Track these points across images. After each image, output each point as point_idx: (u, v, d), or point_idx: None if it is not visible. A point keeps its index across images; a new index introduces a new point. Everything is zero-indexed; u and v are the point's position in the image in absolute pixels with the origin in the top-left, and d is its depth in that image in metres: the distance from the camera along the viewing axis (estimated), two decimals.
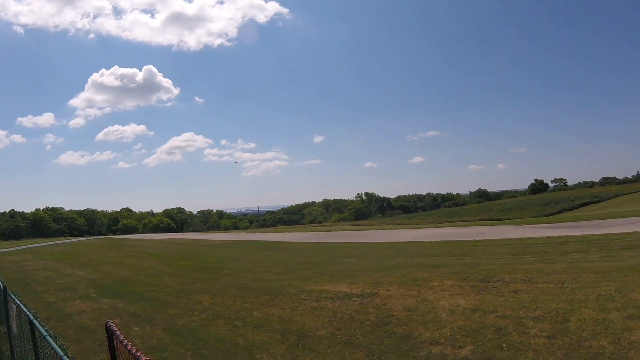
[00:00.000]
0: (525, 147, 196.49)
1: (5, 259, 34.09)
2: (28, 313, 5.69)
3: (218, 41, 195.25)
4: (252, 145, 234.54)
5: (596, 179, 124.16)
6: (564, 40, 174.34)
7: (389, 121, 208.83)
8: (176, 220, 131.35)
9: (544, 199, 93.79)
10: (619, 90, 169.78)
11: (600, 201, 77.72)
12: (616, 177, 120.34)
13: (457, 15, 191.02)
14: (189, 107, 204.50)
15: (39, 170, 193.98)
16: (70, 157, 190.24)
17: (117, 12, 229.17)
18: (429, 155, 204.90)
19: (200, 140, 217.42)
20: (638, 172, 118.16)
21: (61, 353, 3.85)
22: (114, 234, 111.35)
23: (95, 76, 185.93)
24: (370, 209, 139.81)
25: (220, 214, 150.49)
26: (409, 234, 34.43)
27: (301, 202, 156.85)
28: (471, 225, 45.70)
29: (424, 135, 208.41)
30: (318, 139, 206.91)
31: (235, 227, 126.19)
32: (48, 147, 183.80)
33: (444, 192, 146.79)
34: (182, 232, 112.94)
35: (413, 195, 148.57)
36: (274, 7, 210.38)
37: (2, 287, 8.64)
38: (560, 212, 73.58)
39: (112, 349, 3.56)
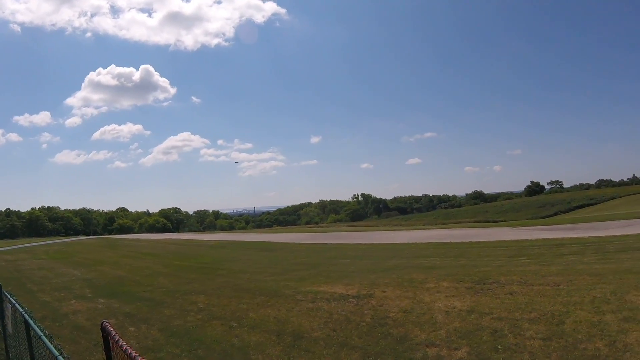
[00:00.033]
0: (522, 149, 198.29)
1: (0, 258, 33.87)
2: (23, 312, 5.65)
3: (215, 41, 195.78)
4: (249, 145, 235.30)
5: (592, 181, 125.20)
6: (561, 43, 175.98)
7: (386, 122, 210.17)
8: (172, 220, 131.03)
9: (539, 201, 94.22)
10: (616, 92, 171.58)
11: (596, 203, 78.14)
12: (612, 179, 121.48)
13: (453, 17, 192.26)
14: (186, 106, 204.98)
15: (35, 169, 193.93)
16: (66, 156, 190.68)
17: (115, 11, 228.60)
18: (425, 157, 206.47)
19: (196, 140, 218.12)
20: (634, 174, 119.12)
21: (56, 353, 3.83)
22: (110, 233, 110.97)
23: (92, 75, 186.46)
24: (367, 210, 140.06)
25: (217, 214, 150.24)
26: (405, 235, 34.44)
27: (297, 203, 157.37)
28: (467, 226, 45.76)
29: (420, 136, 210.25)
30: (315, 139, 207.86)
31: (231, 228, 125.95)
32: (44, 146, 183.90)
33: (440, 193, 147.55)
34: (178, 232, 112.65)
35: (409, 196, 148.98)
36: (271, 7, 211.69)
37: None
38: (556, 214, 73.91)
39: (107, 349, 3.54)
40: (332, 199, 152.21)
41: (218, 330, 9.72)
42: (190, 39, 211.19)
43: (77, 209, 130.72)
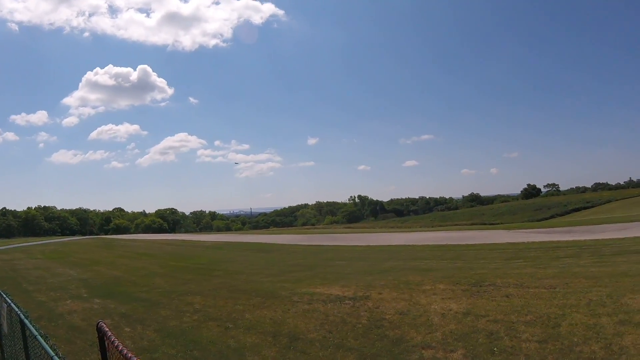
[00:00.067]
0: (518, 152, 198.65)
1: None
2: (19, 312, 5.62)
3: (213, 42, 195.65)
4: (246, 146, 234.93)
5: (588, 185, 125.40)
6: (559, 46, 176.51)
7: (383, 124, 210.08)
8: (168, 220, 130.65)
9: (536, 204, 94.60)
10: (612, 96, 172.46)
11: (592, 207, 78.43)
12: (608, 182, 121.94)
13: (451, 19, 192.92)
14: (183, 107, 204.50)
15: (32, 168, 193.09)
16: (63, 156, 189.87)
17: (113, 10, 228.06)
18: (422, 159, 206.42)
19: (193, 141, 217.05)
20: (630, 177, 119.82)
21: (52, 353, 3.81)
22: (106, 233, 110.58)
23: (89, 75, 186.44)
24: (363, 212, 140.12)
25: (213, 215, 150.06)
26: (402, 237, 34.49)
27: (294, 204, 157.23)
28: (463, 229, 45.89)
29: (417, 138, 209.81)
30: (312, 141, 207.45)
31: (227, 229, 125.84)
32: (41, 145, 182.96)
33: (436, 196, 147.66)
34: (175, 232, 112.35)
35: (406, 198, 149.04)
36: (269, 9, 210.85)
37: None
38: (552, 217, 74.05)
39: (103, 350, 3.53)
40: (328, 200, 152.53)
41: (214, 331, 9.70)
42: (188, 40, 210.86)
43: (74, 208, 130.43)
